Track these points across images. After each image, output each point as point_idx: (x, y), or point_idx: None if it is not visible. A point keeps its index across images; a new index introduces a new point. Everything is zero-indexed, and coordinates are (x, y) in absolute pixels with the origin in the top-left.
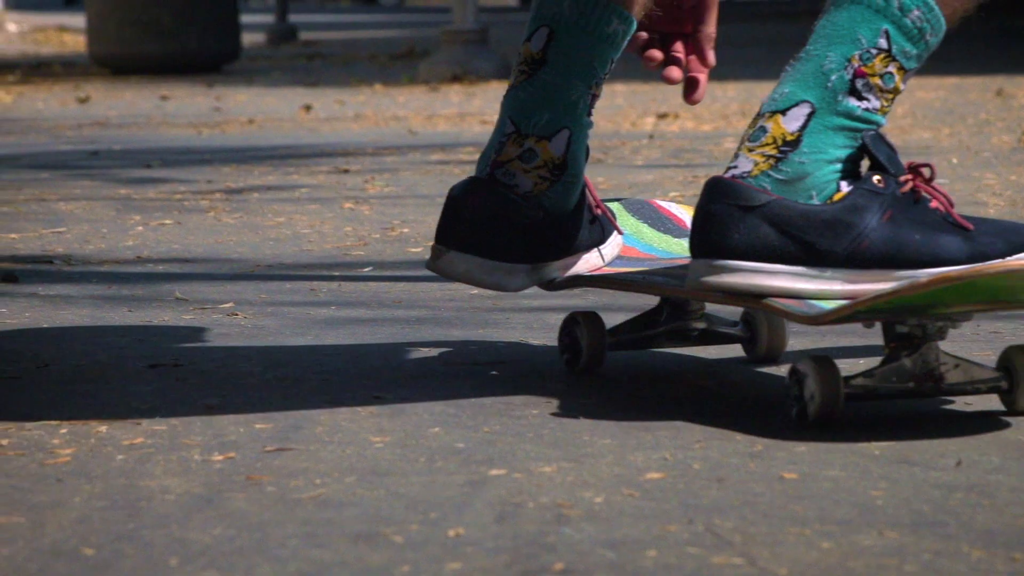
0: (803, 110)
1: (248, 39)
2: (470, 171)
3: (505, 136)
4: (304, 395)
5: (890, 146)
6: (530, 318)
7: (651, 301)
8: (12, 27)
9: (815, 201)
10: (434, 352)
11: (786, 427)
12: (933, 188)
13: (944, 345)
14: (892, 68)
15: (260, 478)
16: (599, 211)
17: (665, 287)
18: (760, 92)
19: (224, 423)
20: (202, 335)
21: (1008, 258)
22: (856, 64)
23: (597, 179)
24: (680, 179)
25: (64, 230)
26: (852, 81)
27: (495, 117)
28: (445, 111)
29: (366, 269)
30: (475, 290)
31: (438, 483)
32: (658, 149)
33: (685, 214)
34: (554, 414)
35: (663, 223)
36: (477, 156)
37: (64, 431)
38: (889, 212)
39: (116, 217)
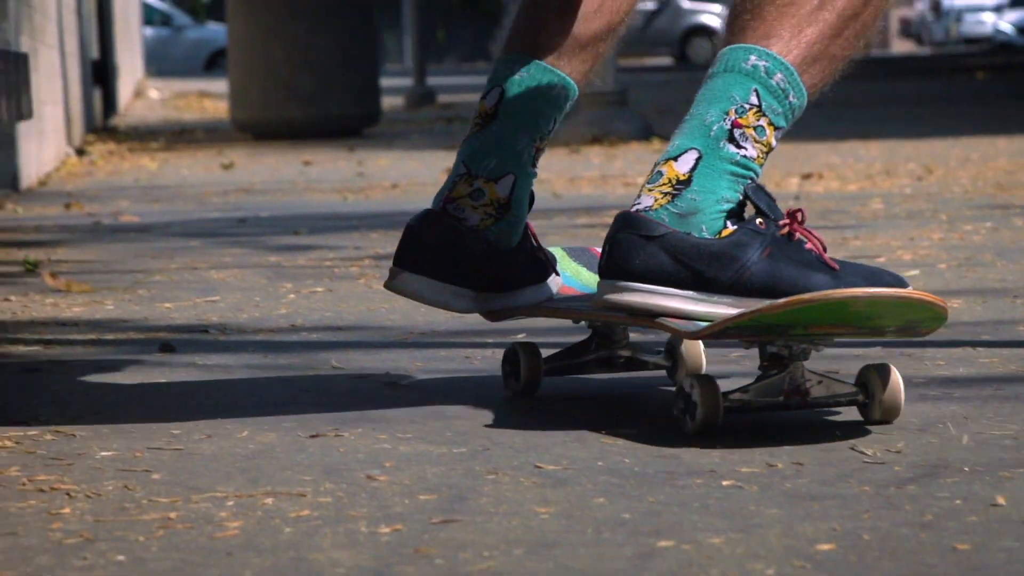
0: (691, 156)
1: (387, 102)
2: None
3: (458, 176)
4: (466, 464)
5: (769, 195)
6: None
7: (585, 334)
8: (154, 94)
9: (705, 235)
10: (592, 420)
11: (951, 498)
12: (808, 231)
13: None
14: (763, 122)
15: (428, 551)
16: (540, 254)
17: (582, 311)
18: (903, 150)
19: (389, 493)
20: (360, 404)
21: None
22: (733, 116)
23: None
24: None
25: (218, 299)
26: (731, 131)
27: (638, 179)
28: (587, 173)
29: (520, 336)
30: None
31: (607, 555)
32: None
33: None
34: (718, 483)
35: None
36: None
37: (231, 503)
38: (768, 249)
39: (268, 285)
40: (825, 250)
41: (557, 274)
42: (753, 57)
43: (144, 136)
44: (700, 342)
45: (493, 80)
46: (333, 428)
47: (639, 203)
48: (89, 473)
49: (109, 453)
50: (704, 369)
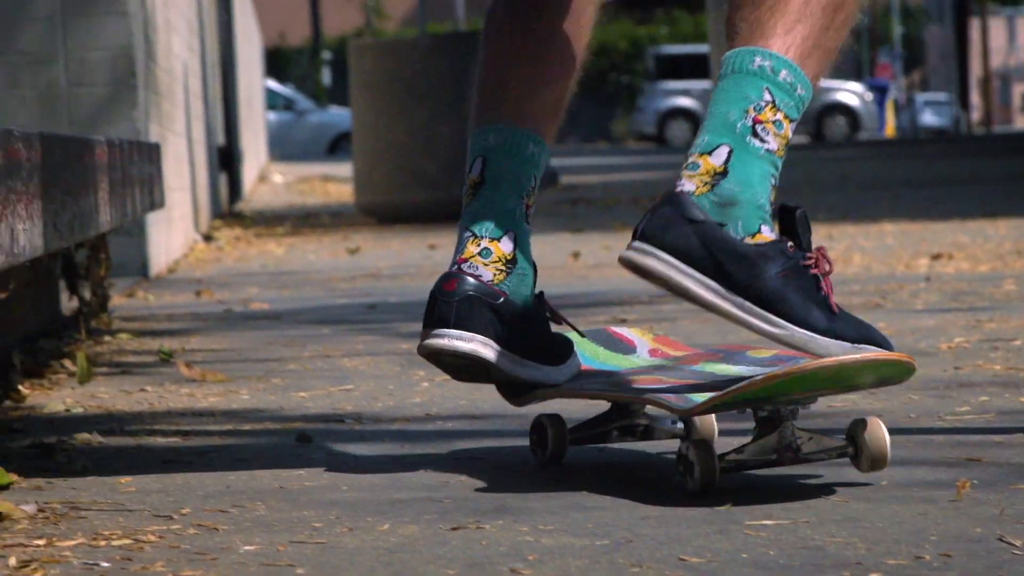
0: (724, 150)
1: None
2: None
3: (465, 239)
4: (609, 557)
5: (809, 228)
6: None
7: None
8: (278, 178)
9: (739, 232)
10: (730, 510)
11: None
12: (826, 273)
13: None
14: (779, 116)
15: None
16: (555, 335)
17: (603, 392)
18: None
19: None
20: (499, 494)
21: (833, 355)
22: (753, 114)
23: (879, 324)
24: (962, 323)
25: (351, 387)
26: (753, 127)
27: None
28: None
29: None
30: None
31: None
32: (936, 292)
33: (636, 336)
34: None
35: (616, 345)
36: None
37: None
38: (786, 271)
39: (401, 373)
40: (832, 294)
41: (577, 358)
42: (758, 58)
43: (270, 221)
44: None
45: (473, 151)
46: (474, 520)
47: (682, 186)
48: (234, 568)
49: (252, 547)
50: (716, 434)
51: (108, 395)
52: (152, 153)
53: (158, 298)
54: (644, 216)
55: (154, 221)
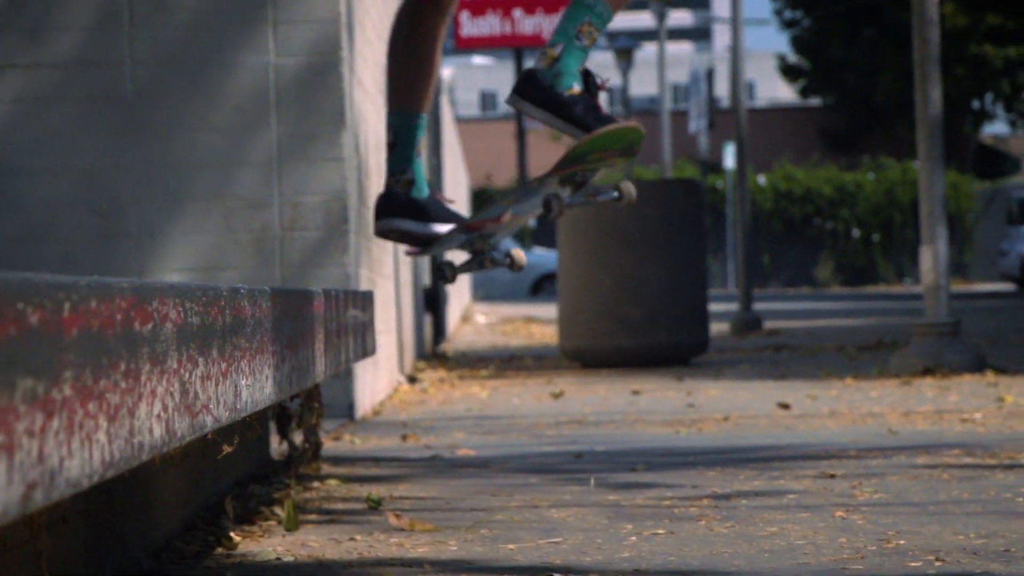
0: (560, 47)
1: (713, 328)
2: (959, 474)
3: (392, 174)
4: None
5: (598, 85)
6: None
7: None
8: (481, 319)
9: (562, 88)
10: None
11: None
12: (600, 91)
13: None
14: (593, 29)
15: None
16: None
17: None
18: None
19: None
20: None
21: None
22: (578, 26)
23: None
24: None
25: (560, 540)
26: (578, 34)
27: (976, 415)
28: (921, 407)
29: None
30: None
31: None
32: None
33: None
34: None
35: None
36: (965, 459)
37: None
38: (584, 106)
39: (608, 526)
40: (601, 107)
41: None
42: None
43: (473, 363)
44: None
45: (388, 126)
46: None
47: (538, 65)
48: None
49: None
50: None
51: (318, 543)
52: (365, 302)
53: (364, 441)
54: (517, 82)
55: (360, 363)
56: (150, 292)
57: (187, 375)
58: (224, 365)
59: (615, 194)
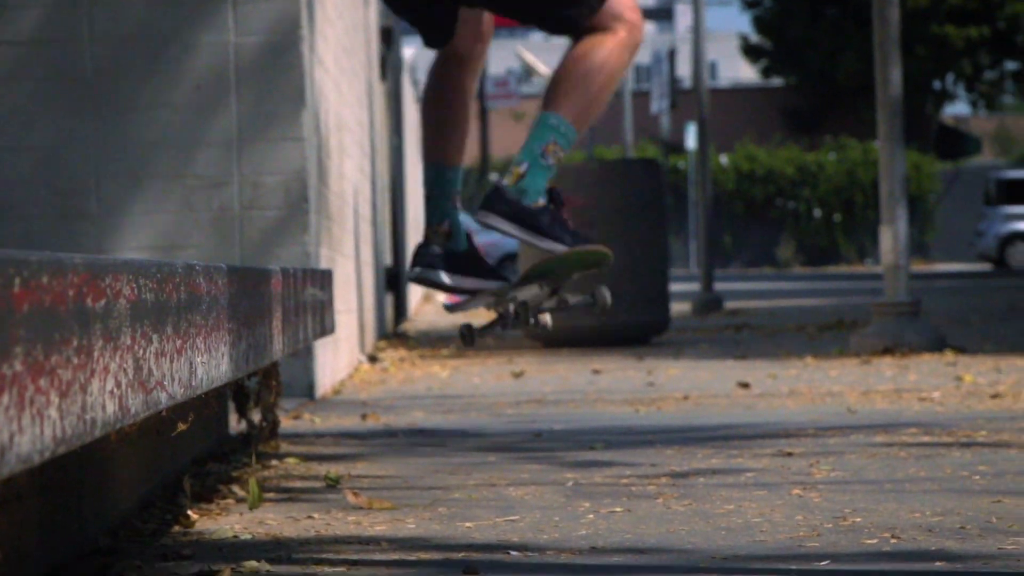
0: (525, 165)
1: (674, 308)
2: (916, 453)
3: (430, 224)
4: None
5: (561, 200)
6: None
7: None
8: (442, 298)
9: (529, 201)
10: None
11: None
12: (567, 215)
13: None
14: (558, 148)
15: None
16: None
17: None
18: None
19: None
20: None
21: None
22: (544, 146)
23: None
24: None
25: (517, 518)
26: (543, 153)
27: (933, 394)
28: (880, 387)
29: (823, 563)
30: None
31: None
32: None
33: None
34: None
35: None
36: (922, 437)
37: None
38: (550, 218)
39: (566, 504)
40: (570, 220)
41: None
42: (552, 119)
43: (434, 342)
44: None
45: (425, 178)
46: None
47: (503, 181)
48: None
49: None
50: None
51: (276, 521)
52: (324, 280)
53: (324, 420)
54: (484, 198)
55: (321, 343)
56: (103, 268)
57: (141, 352)
58: (179, 342)
59: (589, 299)
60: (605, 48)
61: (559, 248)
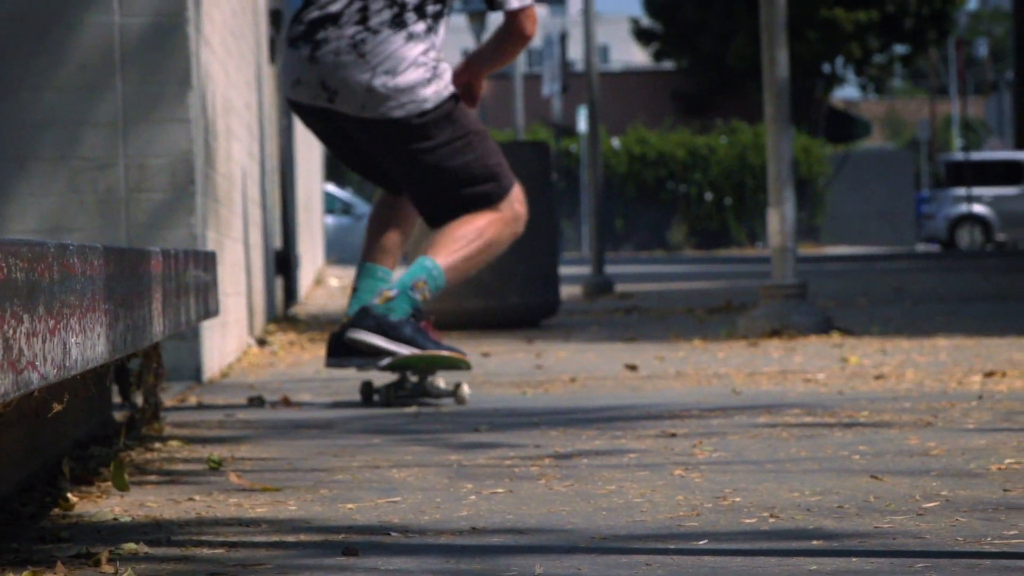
0: (395, 292)
1: (565, 291)
2: (798, 433)
3: (353, 309)
4: None
5: (420, 313)
6: None
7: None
8: (334, 282)
9: (395, 316)
10: None
11: None
12: (428, 324)
13: None
14: (426, 289)
15: None
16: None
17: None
18: None
19: None
20: None
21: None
22: (415, 282)
23: (929, 443)
24: (1014, 444)
25: (399, 499)
26: (413, 288)
27: (819, 375)
28: (767, 368)
29: (702, 542)
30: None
31: None
32: (988, 411)
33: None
34: None
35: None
36: (805, 418)
37: None
38: (412, 328)
39: (449, 485)
40: (432, 330)
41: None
42: (428, 262)
43: (324, 325)
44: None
45: (356, 274)
46: None
47: (373, 301)
48: None
49: None
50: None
51: (156, 504)
52: (208, 262)
53: (210, 403)
54: (353, 317)
55: (208, 325)
56: None
57: (11, 331)
58: (52, 322)
59: (449, 394)
60: (489, 220)
61: (418, 351)
